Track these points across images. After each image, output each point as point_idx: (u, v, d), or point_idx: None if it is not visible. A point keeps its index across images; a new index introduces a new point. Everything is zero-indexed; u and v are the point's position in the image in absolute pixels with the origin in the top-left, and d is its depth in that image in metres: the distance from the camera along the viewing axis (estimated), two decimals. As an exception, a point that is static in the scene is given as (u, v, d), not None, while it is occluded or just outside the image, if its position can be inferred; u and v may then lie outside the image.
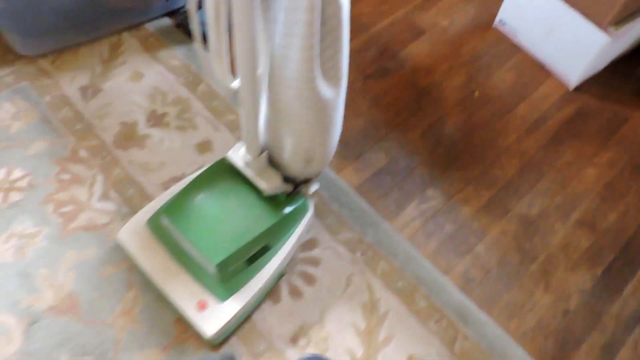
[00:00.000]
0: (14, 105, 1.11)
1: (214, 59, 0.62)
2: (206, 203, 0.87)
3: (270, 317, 0.92)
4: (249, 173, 0.85)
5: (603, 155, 1.20)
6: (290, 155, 0.78)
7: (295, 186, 0.91)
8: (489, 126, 1.21)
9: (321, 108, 0.65)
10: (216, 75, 0.66)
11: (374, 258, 1.00)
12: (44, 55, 1.18)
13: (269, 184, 0.84)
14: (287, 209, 0.89)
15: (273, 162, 0.86)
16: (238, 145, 0.87)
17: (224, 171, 0.90)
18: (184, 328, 0.90)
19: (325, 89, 0.63)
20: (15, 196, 1.00)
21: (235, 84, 0.66)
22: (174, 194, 0.93)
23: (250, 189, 0.88)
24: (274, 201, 0.88)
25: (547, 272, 1.03)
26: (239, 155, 0.86)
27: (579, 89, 1.30)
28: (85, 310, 0.90)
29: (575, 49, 1.23)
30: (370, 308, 0.95)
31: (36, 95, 1.13)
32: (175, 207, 0.87)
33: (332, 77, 0.63)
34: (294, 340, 0.90)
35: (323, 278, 0.97)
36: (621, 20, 1.17)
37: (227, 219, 0.86)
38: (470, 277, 1.01)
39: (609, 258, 1.06)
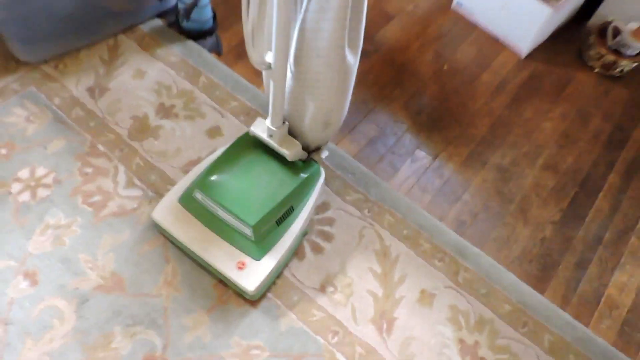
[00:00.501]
0: (25, 110, 1.16)
1: (253, 39, 0.73)
2: (235, 173, 0.97)
3: (298, 272, 1.04)
4: (272, 143, 0.96)
5: (555, 110, 1.40)
6: (311, 121, 0.90)
7: (309, 153, 1.03)
8: (460, 93, 1.38)
9: (345, 72, 0.78)
10: (251, 52, 0.76)
11: (380, 213, 1.14)
12: (45, 62, 1.23)
13: (291, 150, 0.96)
14: (305, 174, 1.01)
15: (291, 132, 0.98)
16: (259, 120, 0.98)
17: (247, 145, 1.01)
18: (223, 290, 1.00)
19: (349, 56, 0.76)
20: (43, 192, 1.06)
21: (268, 58, 0.77)
22: (197, 173, 1.02)
23: (272, 157, 1.00)
24: (293, 167, 1.00)
25: (524, 209, 1.21)
26: (261, 129, 0.97)
27: (530, 56, 1.50)
28: (129, 286, 0.98)
29: (524, 22, 1.43)
30: (383, 254, 1.08)
31: (45, 99, 1.18)
32: (206, 181, 0.97)
33: (354, 45, 0.76)
34: (322, 289, 1.03)
35: (339, 234, 1.10)
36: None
37: (256, 186, 0.97)
38: (462, 220, 1.17)
39: (571, 193, 1.26)
